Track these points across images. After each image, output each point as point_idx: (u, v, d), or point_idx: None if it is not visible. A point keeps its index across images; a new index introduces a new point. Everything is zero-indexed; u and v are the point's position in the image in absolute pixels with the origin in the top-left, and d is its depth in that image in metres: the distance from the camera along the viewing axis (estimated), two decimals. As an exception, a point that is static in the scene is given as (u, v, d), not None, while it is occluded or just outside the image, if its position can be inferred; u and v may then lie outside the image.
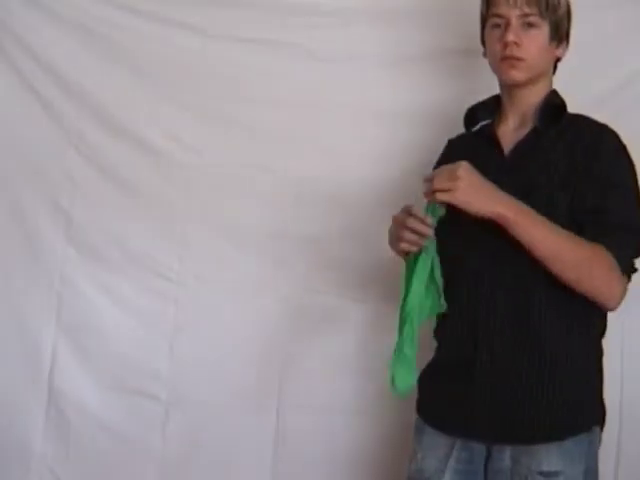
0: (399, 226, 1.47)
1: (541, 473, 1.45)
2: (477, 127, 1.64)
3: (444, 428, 1.55)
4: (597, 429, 1.53)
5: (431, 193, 1.41)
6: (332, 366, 2.00)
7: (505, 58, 1.53)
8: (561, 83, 1.92)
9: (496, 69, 1.58)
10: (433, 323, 1.59)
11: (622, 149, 1.54)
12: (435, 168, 1.62)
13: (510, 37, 1.51)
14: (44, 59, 2.02)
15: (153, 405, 2.05)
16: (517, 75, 1.54)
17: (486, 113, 1.64)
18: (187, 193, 2.04)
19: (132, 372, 2.06)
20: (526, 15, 1.52)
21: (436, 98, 1.97)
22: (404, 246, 1.46)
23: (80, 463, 2.08)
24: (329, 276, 1.99)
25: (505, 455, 1.48)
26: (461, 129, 1.69)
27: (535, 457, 1.45)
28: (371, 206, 1.95)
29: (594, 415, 1.53)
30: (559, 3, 1.56)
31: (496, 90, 1.64)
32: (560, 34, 1.57)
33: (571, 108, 1.94)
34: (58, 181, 2.05)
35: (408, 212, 1.46)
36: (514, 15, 1.51)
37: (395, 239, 1.50)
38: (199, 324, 2.06)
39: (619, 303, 1.49)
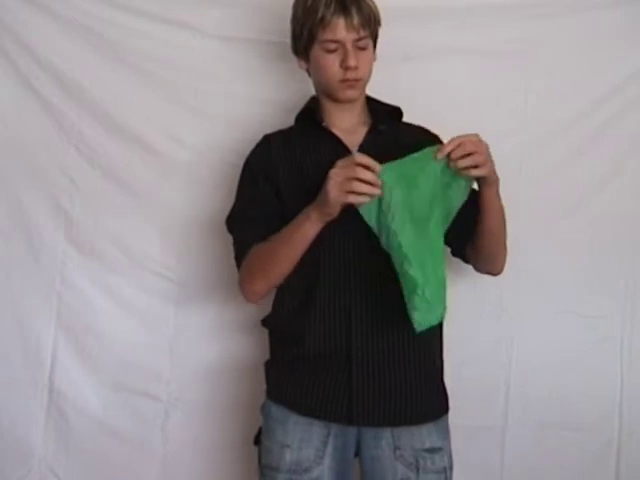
0: (346, 179, 1.39)
1: (426, 450, 1.57)
2: (324, 124, 1.66)
3: (320, 417, 1.58)
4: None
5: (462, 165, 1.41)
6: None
7: (345, 80, 1.59)
8: (561, 83, 1.94)
9: (331, 89, 1.63)
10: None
11: None
12: (250, 164, 1.69)
13: (352, 62, 1.56)
14: (44, 59, 2.01)
15: (153, 405, 2.06)
16: (354, 94, 1.63)
17: (317, 115, 1.67)
18: (187, 193, 2.04)
19: (132, 372, 2.06)
20: (360, 39, 1.57)
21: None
22: (353, 199, 1.40)
23: (80, 463, 2.08)
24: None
25: (382, 442, 1.57)
26: None
27: (416, 437, 1.57)
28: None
29: (447, 400, 1.66)
30: (377, 14, 1.62)
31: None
32: (375, 40, 1.65)
33: (571, 108, 1.95)
34: (58, 181, 2.05)
35: (354, 162, 1.39)
36: (349, 40, 1.56)
37: (342, 192, 1.40)
38: (199, 324, 2.06)
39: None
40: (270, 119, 2.00)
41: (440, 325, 1.63)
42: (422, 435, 1.57)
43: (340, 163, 1.41)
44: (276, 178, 1.64)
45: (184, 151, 2.03)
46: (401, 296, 1.46)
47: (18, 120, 2.05)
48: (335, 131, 1.65)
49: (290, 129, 1.74)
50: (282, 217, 1.58)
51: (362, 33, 1.57)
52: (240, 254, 1.65)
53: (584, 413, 1.98)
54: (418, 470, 1.55)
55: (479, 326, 1.98)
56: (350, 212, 1.44)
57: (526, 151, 1.95)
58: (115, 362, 2.06)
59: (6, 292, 2.07)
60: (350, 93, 1.62)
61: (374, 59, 1.65)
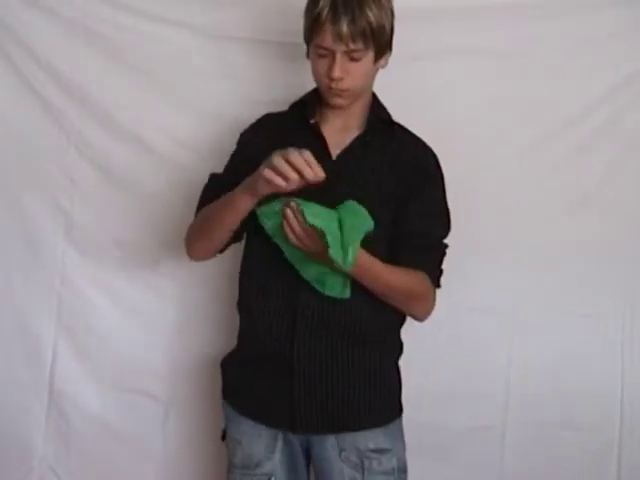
0: (277, 163, 1.37)
1: (372, 450, 1.56)
2: (312, 121, 1.62)
3: (265, 421, 1.59)
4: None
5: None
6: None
7: (328, 89, 1.56)
8: (561, 83, 1.94)
9: (321, 91, 1.60)
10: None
11: (440, 169, 1.64)
12: (241, 136, 1.72)
13: (336, 74, 1.51)
14: (44, 59, 2.01)
15: (153, 405, 2.06)
16: (342, 103, 1.58)
17: (312, 109, 1.64)
18: (187, 193, 2.04)
19: (132, 372, 2.06)
20: (352, 51, 1.50)
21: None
22: (278, 181, 1.37)
23: (81, 463, 2.08)
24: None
25: (327, 444, 1.57)
26: None
27: (360, 439, 1.56)
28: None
29: (400, 404, 1.65)
30: (384, 25, 1.52)
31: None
32: (386, 49, 1.57)
33: (571, 108, 1.95)
34: (58, 181, 2.05)
35: (304, 158, 1.37)
36: (339, 50, 1.50)
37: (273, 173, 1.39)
38: (199, 324, 2.06)
39: (428, 316, 1.63)
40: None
41: (391, 328, 1.64)
42: (366, 437, 1.56)
43: (293, 152, 1.37)
44: (253, 158, 1.56)
45: (184, 151, 2.03)
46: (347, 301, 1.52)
47: (18, 120, 2.05)
48: (325, 129, 1.62)
49: (286, 115, 1.71)
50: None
51: (352, 46, 1.48)
52: (195, 215, 1.70)
53: (584, 413, 1.98)
54: (364, 471, 1.55)
55: (479, 326, 1.98)
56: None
57: (526, 151, 1.95)
58: (115, 362, 2.06)
59: (6, 292, 2.07)
60: (337, 101, 1.57)
61: (375, 69, 1.58)
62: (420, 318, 1.62)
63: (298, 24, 1.97)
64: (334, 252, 1.38)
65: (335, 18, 1.47)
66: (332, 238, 1.39)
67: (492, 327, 1.97)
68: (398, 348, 1.68)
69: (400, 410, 1.65)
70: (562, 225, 1.95)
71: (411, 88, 1.91)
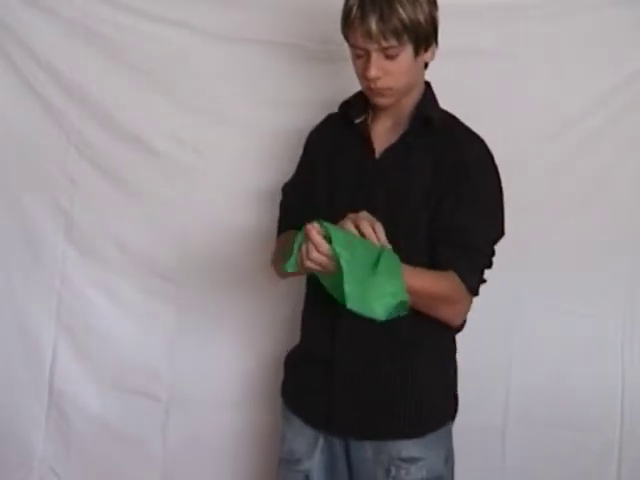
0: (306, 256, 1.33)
1: (402, 459, 1.51)
2: (357, 121, 1.60)
3: (306, 420, 1.60)
4: (451, 422, 1.60)
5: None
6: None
7: (369, 89, 1.52)
8: (561, 83, 1.94)
9: (364, 91, 1.56)
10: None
11: (488, 163, 1.54)
12: (306, 140, 1.70)
13: (372, 73, 1.47)
14: (44, 59, 2.02)
15: (153, 405, 2.06)
16: (386, 101, 1.54)
17: (361, 108, 1.61)
18: (187, 193, 2.04)
19: (132, 372, 2.06)
20: (385, 48, 1.45)
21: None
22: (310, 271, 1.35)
23: (81, 463, 2.09)
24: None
25: (365, 447, 1.54)
26: None
27: (395, 446, 1.51)
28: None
29: (449, 412, 1.60)
30: (418, 18, 1.46)
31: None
32: (427, 42, 1.51)
33: (571, 108, 1.95)
34: (58, 181, 2.05)
35: (307, 237, 1.32)
36: (373, 49, 1.45)
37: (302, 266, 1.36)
38: (199, 324, 2.06)
39: (462, 321, 1.56)
40: (271, 119, 2.00)
41: (434, 333, 1.55)
42: (398, 445, 1.52)
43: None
44: (316, 162, 1.65)
45: (184, 151, 2.03)
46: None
47: (18, 120, 2.05)
48: (376, 127, 1.59)
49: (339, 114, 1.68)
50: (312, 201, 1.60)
51: (384, 43, 1.43)
52: (277, 233, 1.71)
53: (585, 413, 1.98)
54: (390, 479, 1.52)
55: (479, 326, 1.97)
56: None
57: (526, 151, 1.95)
58: (115, 362, 2.06)
59: (6, 292, 2.08)
60: (380, 101, 1.53)
61: (418, 64, 1.51)
62: (450, 322, 1.53)
63: (297, 25, 1.99)
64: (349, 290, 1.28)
65: (363, 16, 1.43)
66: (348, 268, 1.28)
67: (492, 327, 1.97)
68: (446, 355, 1.61)
69: (443, 420, 1.57)
70: (562, 225, 1.95)
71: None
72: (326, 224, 1.30)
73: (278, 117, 2.00)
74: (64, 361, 2.07)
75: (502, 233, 1.55)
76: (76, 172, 2.05)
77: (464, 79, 1.93)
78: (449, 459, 1.57)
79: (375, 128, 1.60)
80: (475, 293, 1.52)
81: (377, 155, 1.56)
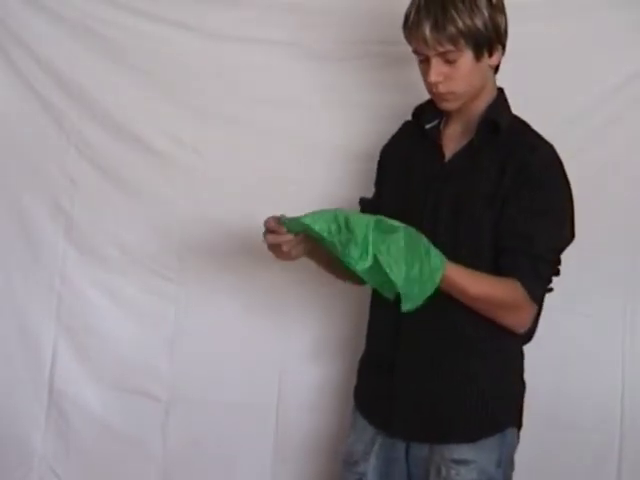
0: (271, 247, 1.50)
1: (453, 461, 1.50)
2: (428, 126, 1.62)
3: (369, 419, 1.61)
4: (512, 430, 1.57)
5: None
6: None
7: (433, 94, 1.54)
8: (561, 83, 1.94)
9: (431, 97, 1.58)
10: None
11: (554, 168, 1.53)
12: (383, 150, 1.73)
13: (432, 78, 1.48)
14: (44, 59, 2.02)
15: (153, 405, 2.06)
16: (451, 106, 1.55)
17: (434, 113, 1.62)
18: (187, 193, 2.04)
19: (132, 372, 2.06)
20: (444, 53, 1.47)
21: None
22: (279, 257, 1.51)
23: (81, 463, 2.08)
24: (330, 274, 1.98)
25: (424, 445, 1.55)
26: None
27: (448, 448, 1.51)
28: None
29: (508, 418, 1.57)
30: (475, 23, 1.47)
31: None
32: (490, 47, 1.51)
33: (571, 108, 1.95)
34: (58, 181, 2.05)
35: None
36: (431, 54, 1.47)
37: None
38: (199, 324, 2.06)
39: (526, 328, 1.54)
40: (271, 119, 2.00)
41: (493, 351, 1.55)
42: (449, 446, 1.52)
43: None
44: (388, 173, 1.70)
45: (184, 151, 2.03)
46: (451, 312, 1.48)
47: (18, 120, 2.05)
48: (448, 132, 1.60)
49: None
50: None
51: (440, 48, 1.45)
52: None
53: (585, 413, 1.97)
54: (442, 478, 1.51)
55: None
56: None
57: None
58: (115, 362, 2.06)
59: (6, 292, 2.07)
60: (444, 105, 1.54)
61: (482, 68, 1.51)
62: (513, 329, 1.52)
63: (297, 24, 1.99)
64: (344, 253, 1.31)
65: (419, 23, 1.45)
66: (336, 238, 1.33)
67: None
68: (508, 361, 1.59)
69: (499, 427, 1.54)
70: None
71: (411, 88, 1.90)
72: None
73: (278, 117, 2.00)
74: (64, 361, 2.06)
75: (570, 239, 1.55)
76: (76, 172, 2.05)
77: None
78: (502, 463, 1.55)
79: (446, 133, 1.60)
80: (539, 301, 1.52)
81: (446, 160, 1.57)
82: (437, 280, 1.34)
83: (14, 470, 2.07)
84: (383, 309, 1.56)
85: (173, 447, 2.06)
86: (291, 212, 2.03)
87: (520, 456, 1.98)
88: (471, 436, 1.52)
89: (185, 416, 2.06)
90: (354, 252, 1.31)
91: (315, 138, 2.00)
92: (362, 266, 1.31)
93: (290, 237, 1.45)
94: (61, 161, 2.05)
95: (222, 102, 2.02)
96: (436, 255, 1.36)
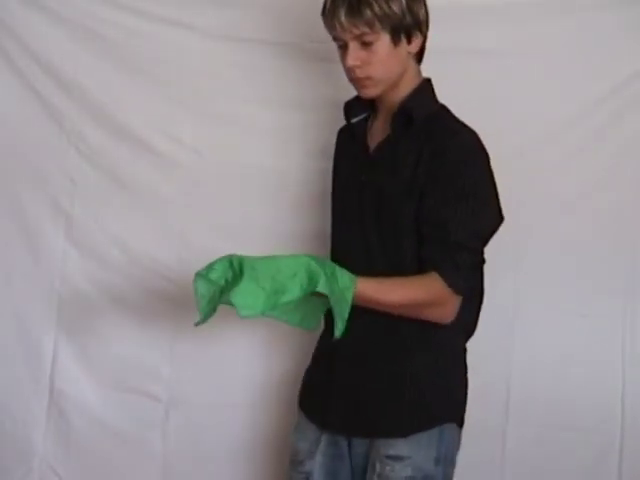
0: None
1: (388, 457, 1.50)
2: (355, 120, 1.64)
3: (309, 416, 1.63)
4: (451, 426, 1.55)
5: None
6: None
7: (352, 80, 1.54)
8: (561, 83, 1.94)
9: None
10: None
11: (471, 154, 1.50)
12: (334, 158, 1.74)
13: (349, 62, 1.49)
14: (44, 59, 2.02)
15: (153, 405, 2.06)
16: (369, 92, 1.55)
17: (361, 107, 1.64)
18: (187, 193, 2.04)
19: (132, 372, 2.06)
20: (360, 36, 1.47)
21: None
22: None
23: (81, 463, 2.08)
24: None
25: (364, 441, 1.55)
26: None
27: (383, 444, 1.51)
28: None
29: (446, 414, 1.55)
30: (392, 7, 1.46)
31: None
32: (407, 31, 1.50)
33: (571, 108, 1.95)
34: (58, 181, 2.05)
35: None
36: (348, 38, 1.48)
37: None
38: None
39: (451, 320, 1.51)
40: (271, 119, 2.00)
41: (428, 346, 1.54)
42: (387, 442, 1.51)
43: None
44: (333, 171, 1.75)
45: (184, 151, 2.03)
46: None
47: (18, 120, 2.05)
48: (373, 126, 1.61)
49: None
50: None
51: (356, 30, 1.46)
52: None
53: (585, 414, 1.97)
54: (376, 475, 1.51)
55: (479, 326, 1.97)
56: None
57: (526, 151, 1.95)
58: (115, 362, 2.06)
59: (6, 292, 2.07)
60: (364, 92, 1.55)
61: (399, 55, 1.51)
62: (439, 322, 1.50)
63: (296, 24, 1.99)
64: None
65: (335, 8, 1.47)
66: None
67: (492, 327, 1.97)
68: (447, 355, 1.57)
69: (434, 421, 1.52)
70: (562, 225, 1.95)
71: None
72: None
73: (278, 117, 2.00)
74: (64, 361, 2.06)
75: (495, 224, 1.52)
76: (76, 172, 2.05)
77: (464, 79, 1.93)
78: (441, 461, 1.53)
79: (373, 126, 1.62)
80: (461, 292, 1.48)
81: (371, 150, 1.58)
82: (349, 298, 1.33)
83: (14, 470, 2.07)
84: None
85: (173, 447, 2.06)
86: (290, 212, 2.05)
87: (520, 456, 1.99)
88: (405, 430, 1.50)
89: (185, 416, 2.06)
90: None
91: (316, 138, 2.00)
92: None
93: None
94: (61, 161, 2.05)
95: (222, 102, 2.02)
96: (343, 274, 1.34)
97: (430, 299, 1.46)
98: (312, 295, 1.32)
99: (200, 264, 2.03)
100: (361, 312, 1.43)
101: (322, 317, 1.47)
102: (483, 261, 1.55)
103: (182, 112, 2.02)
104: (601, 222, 1.96)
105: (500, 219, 1.53)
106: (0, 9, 2.01)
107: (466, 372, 1.62)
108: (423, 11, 1.54)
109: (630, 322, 1.97)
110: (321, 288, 1.28)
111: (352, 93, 2.00)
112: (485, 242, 1.51)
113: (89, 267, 2.06)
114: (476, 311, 1.61)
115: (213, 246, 2.00)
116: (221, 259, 1.34)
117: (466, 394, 1.61)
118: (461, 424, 1.59)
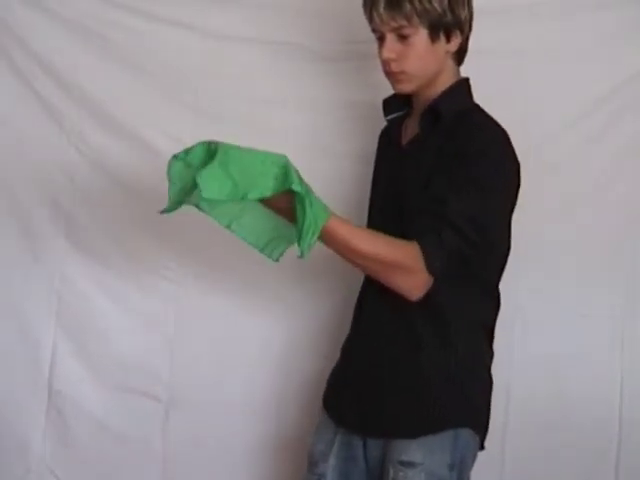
0: None
1: (401, 462, 1.48)
2: (390, 117, 1.66)
3: (329, 412, 1.63)
4: (467, 431, 1.52)
5: None
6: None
7: (387, 73, 1.54)
8: (561, 83, 1.94)
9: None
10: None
11: (491, 147, 1.48)
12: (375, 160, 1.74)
13: (385, 54, 1.50)
14: (44, 59, 2.02)
15: (153, 405, 2.06)
16: (404, 87, 1.54)
17: (398, 105, 1.65)
18: (187, 193, 2.04)
19: (132, 372, 2.06)
20: (397, 28, 1.47)
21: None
22: None
23: (80, 463, 2.08)
24: (330, 274, 1.99)
25: (378, 444, 1.54)
26: None
27: (396, 448, 1.49)
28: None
29: (462, 418, 1.51)
30: (433, 4, 1.47)
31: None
32: (447, 29, 1.51)
33: (571, 108, 1.95)
34: (58, 181, 2.05)
35: None
36: (386, 30, 1.48)
37: None
38: (199, 324, 2.06)
39: (418, 297, 1.45)
40: (270, 118, 2.00)
41: (437, 343, 1.52)
42: (401, 447, 1.49)
43: None
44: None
45: (184, 151, 2.03)
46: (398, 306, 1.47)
47: (18, 120, 2.05)
48: (409, 123, 1.62)
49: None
50: None
51: (394, 24, 1.46)
52: None
53: (584, 414, 1.97)
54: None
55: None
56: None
57: (526, 151, 1.94)
58: (115, 362, 2.06)
59: (6, 292, 2.08)
60: (397, 87, 1.54)
61: (437, 52, 1.51)
62: (405, 293, 1.43)
63: (297, 24, 1.99)
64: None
65: (375, 1, 1.47)
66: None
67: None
68: (465, 357, 1.53)
69: (446, 424, 1.49)
70: (562, 225, 1.95)
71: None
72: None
73: (278, 117, 2.00)
74: (64, 361, 2.06)
75: (495, 218, 1.49)
76: (76, 172, 2.05)
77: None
78: (455, 466, 1.50)
79: (409, 123, 1.62)
80: (434, 273, 1.42)
81: (402, 149, 1.59)
82: (320, 224, 1.28)
83: (13, 470, 2.07)
84: (356, 309, 1.63)
85: (173, 447, 2.06)
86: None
87: (520, 456, 1.99)
88: (416, 431, 1.48)
89: (185, 416, 2.06)
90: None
91: (316, 138, 2.01)
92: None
93: None
94: (61, 161, 2.05)
95: (222, 102, 2.02)
96: (319, 201, 1.31)
97: (399, 262, 1.40)
98: (282, 223, 1.34)
99: (200, 264, 2.05)
100: (378, 309, 1.47)
101: (284, 250, 1.40)
102: (466, 250, 1.47)
103: (182, 112, 2.02)
104: (601, 222, 1.96)
105: (502, 217, 1.51)
106: (1, 9, 2.01)
107: (488, 377, 1.59)
108: (466, 11, 1.54)
109: (630, 322, 1.97)
110: (296, 187, 1.25)
111: (352, 93, 2.02)
112: (482, 237, 1.44)
113: (89, 267, 2.06)
114: (494, 311, 1.60)
115: (213, 246, 2.01)
116: (200, 143, 1.33)
117: (487, 400, 1.58)
118: (479, 430, 1.55)
